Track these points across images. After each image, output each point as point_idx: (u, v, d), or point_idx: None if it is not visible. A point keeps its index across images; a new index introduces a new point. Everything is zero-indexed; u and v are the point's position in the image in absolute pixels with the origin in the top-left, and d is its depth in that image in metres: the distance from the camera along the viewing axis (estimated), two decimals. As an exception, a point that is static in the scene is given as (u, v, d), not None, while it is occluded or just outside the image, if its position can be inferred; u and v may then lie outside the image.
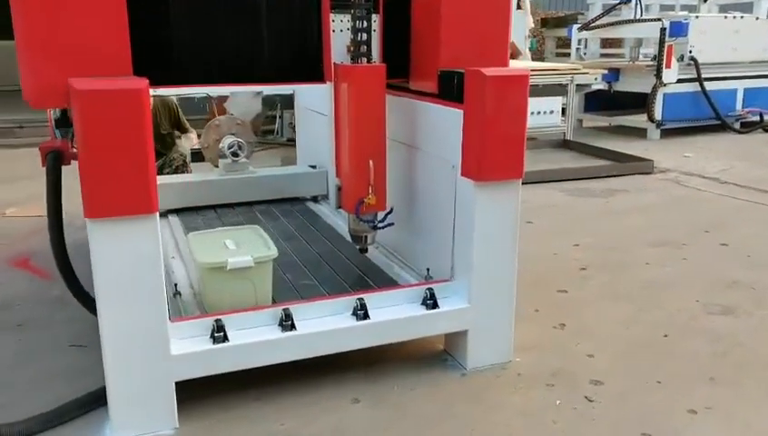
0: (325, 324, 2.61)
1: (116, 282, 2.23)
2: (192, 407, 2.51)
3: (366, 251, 3.19)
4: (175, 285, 2.87)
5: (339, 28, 2.96)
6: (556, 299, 3.62)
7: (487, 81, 2.55)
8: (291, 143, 6.70)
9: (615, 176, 6.60)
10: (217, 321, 2.47)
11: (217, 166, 4.44)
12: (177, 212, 4.16)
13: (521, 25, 11.79)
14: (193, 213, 4.15)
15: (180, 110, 5.46)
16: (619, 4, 9.69)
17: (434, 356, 2.96)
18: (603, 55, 11.29)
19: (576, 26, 10.21)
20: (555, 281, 3.84)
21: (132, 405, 2.35)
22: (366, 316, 2.65)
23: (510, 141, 2.64)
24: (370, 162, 2.87)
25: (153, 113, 5.21)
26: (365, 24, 2.85)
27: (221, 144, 4.30)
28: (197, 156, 4.68)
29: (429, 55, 2.88)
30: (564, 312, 3.44)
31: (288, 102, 7.47)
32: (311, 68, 2.95)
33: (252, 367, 2.51)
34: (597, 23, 9.84)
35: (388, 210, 3.05)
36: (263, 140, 8.62)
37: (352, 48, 2.90)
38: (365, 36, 2.86)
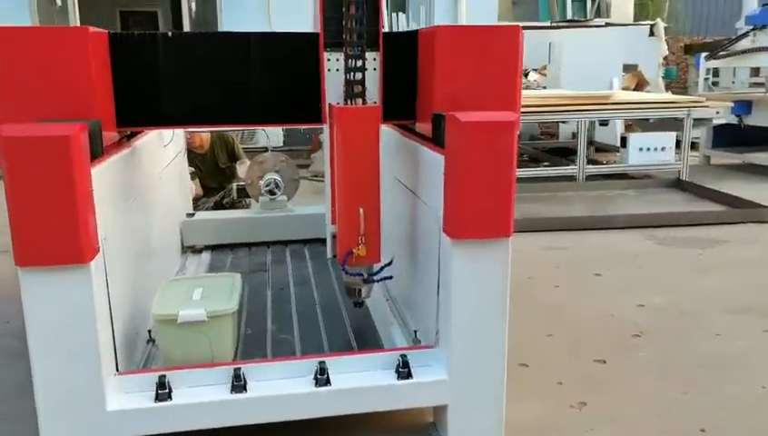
0: (280, 388, 2.40)
1: (47, 332, 2.16)
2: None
3: (361, 305, 2.95)
4: (149, 332, 2.79)
5: (335, 67, 2.78)
6: (589, 371, 3.14)
7: (463, 127, 2.25)
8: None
9: (721, 224, 5.83)
10: (161, 377, 2.33)
11: (259, 203, 4.39)
12: (213, 248, 4.14)
13: (654, 53, 11.03)
14: (227, 251, 4.11)
15: (236, 141, 5.52)
16: (753, 29, 8.68)
17: (418, 429, 2.65)
18: (752, 85, 10.29)
19: (703, 55, 9.33)
20: (596, 348, 3.35)
21: (66, 463, 2.26)
22: (327, 382, 2.41)
23: (493, 195, 2.30)
24: (361, 210, 2.65)
25: (212, 148, 5.30)
26: (358, 63, 2.66)
27: (260, 181, 4.25)
28: (243, 192, 4.69)
29: (427, 96, 2.63)
30: (591, 387, 2.97)
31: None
32: (309, 109, 2.81)
33: (196, 429, 2.35)
34: (728, 50, 8.91)
35: (386, 261, 2.80)
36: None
37: (345, 88, 2.71)
38: (359, 76, 2.67)
